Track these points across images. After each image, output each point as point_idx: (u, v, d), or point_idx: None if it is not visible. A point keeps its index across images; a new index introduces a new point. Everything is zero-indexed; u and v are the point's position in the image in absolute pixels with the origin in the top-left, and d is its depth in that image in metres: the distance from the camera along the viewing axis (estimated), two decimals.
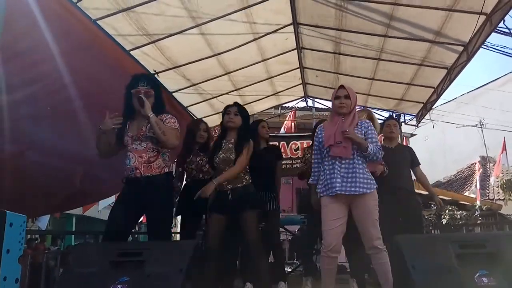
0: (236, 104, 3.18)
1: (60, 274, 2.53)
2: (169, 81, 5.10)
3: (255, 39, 4.99)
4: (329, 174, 2.63)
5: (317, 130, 2.86)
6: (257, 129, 3.95)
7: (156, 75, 4.82)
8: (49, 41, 2.95)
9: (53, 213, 8.14)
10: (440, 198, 11.38)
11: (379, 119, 6.73)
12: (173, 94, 5.41)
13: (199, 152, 3.71)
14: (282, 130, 8.69)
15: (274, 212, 3.88)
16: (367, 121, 2.88)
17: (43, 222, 8.77)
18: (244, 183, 2.95)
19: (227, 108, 3.13)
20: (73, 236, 12.35)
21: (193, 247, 2.21)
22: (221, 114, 3.40)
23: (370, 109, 7.02)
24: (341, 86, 2.80)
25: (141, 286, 2.00)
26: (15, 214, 1.33)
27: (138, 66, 4.45)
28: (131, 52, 4.31)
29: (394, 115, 7.06)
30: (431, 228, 6.91)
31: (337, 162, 2.63)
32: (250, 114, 7.24)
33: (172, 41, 4.41)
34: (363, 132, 2.71)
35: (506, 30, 5.06)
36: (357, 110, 3.53)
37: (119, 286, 2.02)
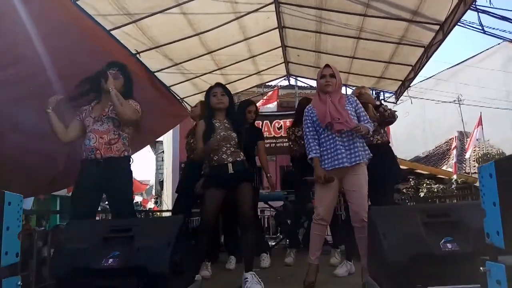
0: (219, 84, 3.25)
1: (53, 251, 2.62)
2: (151, 61, 5.11)
3: (236, 18, 5.01)
4: (331, 149, 2.77)
5: (306, 110, 2.96)
6: (244, 111, 4.05)
7: (138, 55, 4.83)
8: (28, 22, 2.94)
9: (37, 195, 8.14)
10: (419, 172, 11.76)
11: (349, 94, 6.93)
12: (155, 73, 5.42)
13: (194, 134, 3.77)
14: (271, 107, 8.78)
15: (254, 189, 4.03)
16: (352, 95, 3.04)
17: (28, 203, 8.74)
18: (242, 158, 3.07)
19: (211, 89, 3.19)
20: (58, 216, 12.35)
21: (180, 223, 2.32)
22: (203, 93, 3.48)
23: (350, 87, 7.21)
24: (326, 65, 2.91)
25: (131, 260, 2.10)
26: (12, 193, 1.41)
27: (119, 46, 4.45)
28: (112, 32, 4.29)
29: (374, 93, 7.24)
30: (407, 201, 7.19)
31: (337, 137, 2.76)
32: (233, 93, 7.34)
33: (154, 20, 4.40)
34: (353, 106, 2.86)
35: (485, 8, 5.24)
36: (354, 88, 3.69)
37: (110, 260, 2.12)
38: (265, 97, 8.86)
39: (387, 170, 3.42)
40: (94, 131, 2.76)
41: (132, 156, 2.94)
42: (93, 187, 2.70)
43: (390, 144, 3.79)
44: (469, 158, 13.09)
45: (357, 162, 2.72)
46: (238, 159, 3.03)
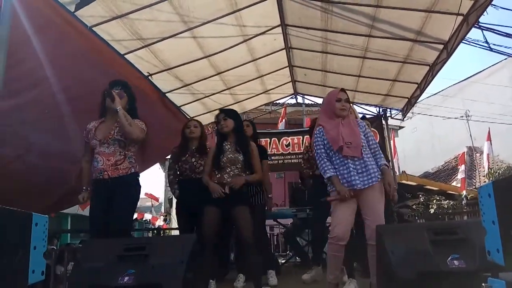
0: (221, 110, 3.39)
1: (71, 269, 2.70)
2: (162, 82, 5.26)
3: (245, 41, 5.16)
4: (343, 171, 2.80)
5: (317, 132, 2.97)
6: None
7: (150, 77, 4.99)
8: (46, 48, 3.10)
9: (49, 213, 8.26)
10: (428, 188, 11.66)
11: (363, 113, 6.99)
12: (167, 94, 5.57)
13: (195, 153, 3.80)
14: (280, 126, 8.95)
15: (260, 206, 4.07)
16: (361, 121, 3.11)
17: None
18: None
19: (216, 117, 3.36)
20: (68, 234, 12.45)
21: (192, 241, 2.39)
22: (214, 113, 3.59)
23: (359, 104, 7.30)
24: (342, 90, 2.98)
25: (146, 277, 2.17)
26: (39, 215, 1.50)
27: (132, 69, 4.62)
28: (126, 56, 4.46)
29: (380, 110, 7.32)
30: (416, 218, 7.16)
31: (349, 161, 2.80)
32: (242, 111, 7.46)
33: (165, 44, 4.57)
34: (363, 130, 2.93)
35: (489, 26, 5.35)
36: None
37: (126, 278, 2.19)
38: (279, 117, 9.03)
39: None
40: (101, 153, 2.88)
41: (139, 172, 3.05)
42: (105, 205, 2.81)
43: (395, 160, 3.85)
44: (486, 174, 12.76)
45: (370, 184, 2.76)
46: None
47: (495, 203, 1.22)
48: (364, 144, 2.86)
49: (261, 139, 6.08)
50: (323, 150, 2.90)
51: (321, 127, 2.96)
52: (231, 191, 3.08)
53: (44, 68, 3.18)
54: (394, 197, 2.83)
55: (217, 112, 3.46)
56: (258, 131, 4.54)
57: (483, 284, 1.25)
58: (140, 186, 3.07)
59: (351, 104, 3.65)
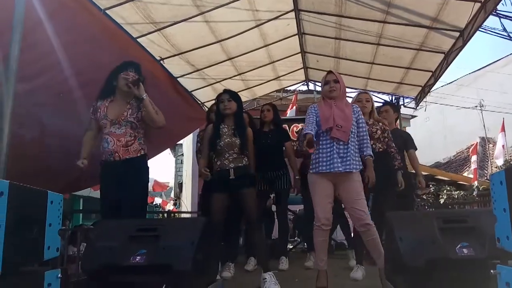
0: (226, 91, 3.33)
1: (84, 248, 2.76)
2: (174, 67, 5.27)
3: (257, 26, 5.13)
4: (326, 153, 2.82)
5: (311, 107, 2.98)
6: (260, 116, 4.14)
7: (162, 61, 5.00)
8: (60, 31, 3.10)
9: (64, 193, 8.42)
10: (439, 179, 11.54)
11: (377, 101, 6.91)
12: (178, 79, 5.59)
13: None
14: (290, 112, 8.86)
15: (283, 190, 4.06)
16: (357, 106, 3.08)
17: None
18: (244, 163, 3.16)
19: (219, 97, 3.30)
20: (81, 216, 12.70)
21: (203, 223, 2.43)
22: None
23: (371, 92, 7.21)
24: (330, 72, 2.97)
25: (157, 257, 2.22)
26: (54, 193, 1.54)
27: (144, 53, 4.63)
28: (138, 40, 4.47)
29: (393, 98, 7.24)
30: (426, 207, 7.14)
31: (335, 144, 2.81)
32: (252, 98, 7.44)
33: (177, 28, 4.57)
34: (355, 116, 2.91)
35: (507, 14, 5.21)
36: (359, 92, 3.73)
37: (138, 257, 2.24)
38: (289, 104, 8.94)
39: (385, 178, 3.42)
40: (111, 134, 2.85)
41: (147, 154, 3.04)
42: (115, 186, 2.81)
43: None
44: (502, 165, 12.51)
45: (351, 170, 2.76)
46: (240, 164, 3.14)
47: (507, 190, 1.22)
48: (353, 130, 2.85)
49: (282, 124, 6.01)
50: (313, 120, 2.87)
51: (315, 105, 2.99)
52: (236, 174, 3.08)
53: (57, 52, 3.19)
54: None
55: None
56: None
57: (491, 271, 1.26)
58: (148, 168, 3.09)
59: (370, 100, 3.66)
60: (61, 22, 3.12)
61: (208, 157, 3.24)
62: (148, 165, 3.08)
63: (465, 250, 2.08)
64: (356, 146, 2.87)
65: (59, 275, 1.58)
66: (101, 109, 2.91)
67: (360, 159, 2.87)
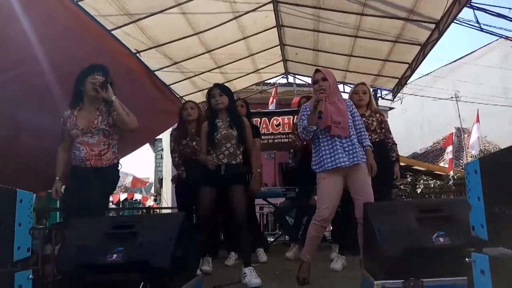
0: (217, 85, 3.32)
1: (59, 247, 2.69)
2: (151, 60, 5.16)
3: (235, 18, 5.07)
4: (329, 150, 2.82)
5: (304, 107, 3.00)
6: None
7: (138, 54, 4.89)
8: (33, 25, 3.00)
9: (39, 191, 8.20)
10: (416, 169, 11.77)
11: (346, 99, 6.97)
12: (155, 72, 5.48)
13: (195, 135, 3.79)
14: (271, 106, 8.86)
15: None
16: (349, 100, 3.09)
17: None
18: (238, 161, 3.17)
19: (210, 91, 3.28)
20: (58, 214, 12.40)
21: (182, 219, 2.39)
22: (204, 92, 3.53)
23: (348, 84, 7.27)
24: (317, 70, 2.96)
25: (134, 255, 2.17)
26: (24, 191, 1.47)
27: (120, 46, 4.51)
28: (113, 32, 4.34)
29: (371, 90, 7.30)
30: (404, 197, 7.27)
31: (336, 140, 2.82)
32: (232, 91, 7.37)
33: (153, 20, 4.47)
34: (350, 110, 2.92)
35: (481, 6, 5.31)
36: (356, 84, 3.74)
37: (114, 255, 2.19)
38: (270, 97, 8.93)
39: (383, 168, 3.46)
40: (83, 143, 2.74)
41: (120, 162, 2.95)
42: (80, 189, 2.70)
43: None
44: (478, 155, 12.84)
45: (358, 161, 2.79)
46: (233, 162, 3.14)
47: (481, 179, 1.23)
48: (350, 124, 2.87)
49: (252, 119, 6.06)
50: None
51: (309, 103, 2.99)
52: (226, 171, 3.07)
53: (30, 46, 3.08)
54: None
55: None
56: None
57: (466, 259, 1.27)
58: (119, 176, 3.04)
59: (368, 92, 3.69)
60: (35, 15, 3.01)
61: (208, 153, 3.21)
62: (119, 172, 3.00)
63: (441, 239, 2.12)
64: (357, 138, 2.90)
65: (31, 276, 1.52)
66: (71, 119, 2.79)
67: (363, 150, 2.90)
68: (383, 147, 3.61)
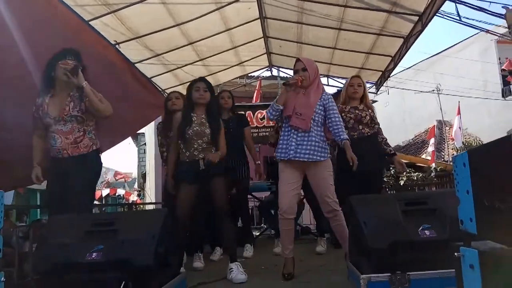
0: (203, 79, 3.22)
1: (35, 246, 2.59)
2: (131, 51, 5.03)
3: (218, 9, 4.97)
4: (286, 141, 2.81)
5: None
6: (218, 100, 4.03)
7: (117, 46, 4.75)
8: (6, 13, 2.88)
9: (17, 188, 7.98)
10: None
11: (339, 87, 6.97)
12: (136, 65, 5.35)
13: None
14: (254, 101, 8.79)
15: (244, 178, 4.06)
16: (328, 93, 3.04)
17: (8, 198, 8.58)
18: (213, 152, 3.05)
19: (194, 83, 3.16)
20: (38, 210, 12.14)
21: (164, 215, 2.32)
22: (186, 85, 3.43)
23: (332, 77, 7.26)
24: (297, 60, 2.91)
25: (115, 253, 2.10)
26: None
27: (98, 37, 4.37)
28: (91, 23, 4.20)
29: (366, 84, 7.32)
30: (387, 189, 7.34)
31: (293, 131, 2.78)
32: (216, 84, 7.30)
33: (133, 10, 4.33)
34: (322, 103, 2.85)
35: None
36: (352, 76, 3.70)
37: (94, 254, 2.11)
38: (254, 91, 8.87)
39: (375, 162, 3.44)
40: (57, 132, 2.66)
41: (100, 148, 2.89)
42: (62, 181, 2.64)
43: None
44: (460, 147, 13.00)
45: (305, 159, 2.74)
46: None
47: (470, 172, 1.21)
48: (316, 119, 2.80)
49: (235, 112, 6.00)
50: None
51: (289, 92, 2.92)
52: (206, 164, 2.97)
53: (5, 35, 2.94)
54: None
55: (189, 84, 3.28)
56: None
57: (455, 254, 1.25)
58: (101, 163, 2.93)
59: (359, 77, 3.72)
60: (9, 3, 2.88)
61: (177, 147, 3.10)
62: (102, 160, 2.93)
63: (427, 232, 2.11)
64: (321, 135, 2.82)
65: (2, 278, 1.45)
66: (42, 107, 2.70)
67: (327, 147, 2.84)
68: (375, 141, 3.59)
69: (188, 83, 3.31)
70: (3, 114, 3.47)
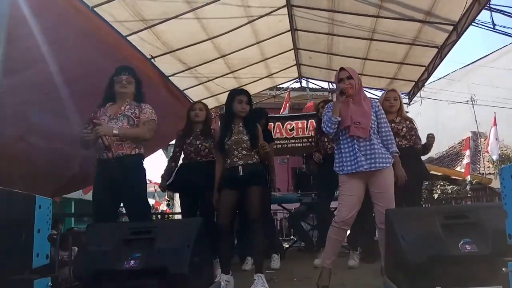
0: (245, 92, 3.24)
1: (76, 253, 2.68)
2: (165, 65, 5.18)
3: (249, 22, 5.05)
4: (349, 153, 2.75)
5: (327, 106, 2.93)
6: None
7: (152, 60, 4.90)
8: (45, 28, 3.02)
9: (54, 196, 8.28)
10: (432, 174, 11.54)
11: (372, 98, 6.88)
12: (170, 78, 5.50)
13: (199, 135, 3.73)
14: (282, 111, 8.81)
15: (266, 189, 4.01)
16: (376, 100, 3.00)
17: None
18: (254, 161, 3.08)
19: (236, 95, 3.18)
20: (72, 219, 12.52)
21: (199, 225, 2.35)
22: (217, 97, 3.49)
23: (364, 88, 7.18)
24: (341, 69, 2.85)
25: (152, 261, 2.14)
26: (42, 197, 1.46)
27: (134, 51, 4.53)
28: (128, 38, 4.37)
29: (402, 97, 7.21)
30: (422, 203, 7.12)
31: (355, 141, 2.73)
32: None
33: (168, 25, 4.48)
34: (375, 111, 2.82)
35: (498, 7, 5.20)
36: (387, 90, 3.68)
37: (132, 261, 2.16)
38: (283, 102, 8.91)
39: (412, 172, 3.37)
40: None
41: (143, 154, 2.99)
42: (108, 187, 2.75)
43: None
44: (497, 160, 12.45)
45: (376, 168, 2.68)
46: (249, 161, 3.06)
47: None
48: (373, 126, 2.77)
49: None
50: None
51: (331, 103, 2.90)
52: (245, 171, 3.00)
53: (41, 47, 3.10)
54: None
55: (221, 95, 3.34)
56: None
57: (503, 269, 1.20)
58: (145, 169, 3.02)
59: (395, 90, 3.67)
60: (47, 18, 3.03)
61: (222, 161, 3.15)
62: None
63: (468, 247, 2.04)
64: (380, 141, 2.78)
65: (49, 283, 1.50)
66: (101, 110, 2.93)
67: (389, 153, 2.78)
68: (413, 153, 3.53)
69: (218, 95, 3.36)
70: (42, 123, 3.64)
